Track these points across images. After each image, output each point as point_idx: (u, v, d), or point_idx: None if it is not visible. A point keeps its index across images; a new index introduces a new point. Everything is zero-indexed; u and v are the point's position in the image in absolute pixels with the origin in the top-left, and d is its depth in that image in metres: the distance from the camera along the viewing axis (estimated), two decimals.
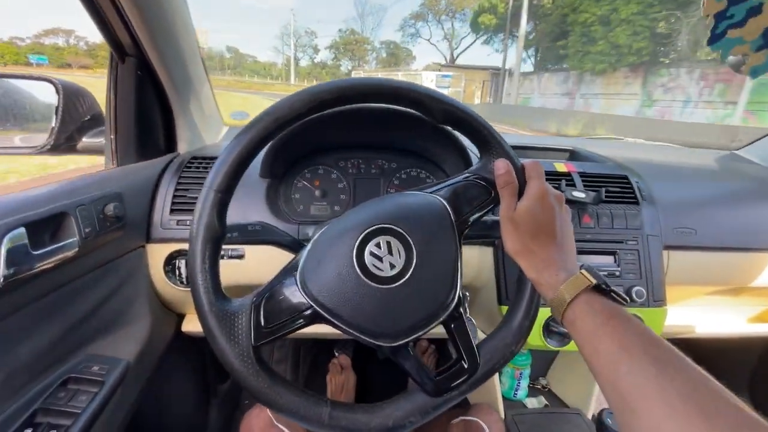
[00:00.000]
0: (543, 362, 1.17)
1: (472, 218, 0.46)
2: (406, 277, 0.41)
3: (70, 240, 0.54)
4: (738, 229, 0.85)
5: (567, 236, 0.44)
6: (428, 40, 40.38)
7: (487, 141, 0.47)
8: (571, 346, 0.77)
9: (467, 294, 0.80)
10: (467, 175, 0.48)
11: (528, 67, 20.45)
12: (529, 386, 1.11)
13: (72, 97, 0.75)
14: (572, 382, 1.10)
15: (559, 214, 0.44)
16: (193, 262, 0.40)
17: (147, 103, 0.78)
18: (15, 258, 0.45)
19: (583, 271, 0.40)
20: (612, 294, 0.39)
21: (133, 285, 0.71)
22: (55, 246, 0.52)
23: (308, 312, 0.41)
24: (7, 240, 0.45)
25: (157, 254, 0.73)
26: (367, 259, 0.41)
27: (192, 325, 0.85)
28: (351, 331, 0.41)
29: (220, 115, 1.04)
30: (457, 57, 37.41)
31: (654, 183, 0.87)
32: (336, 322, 0.40)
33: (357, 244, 0.41)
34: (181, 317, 0.86)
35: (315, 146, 0.82)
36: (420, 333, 0.42)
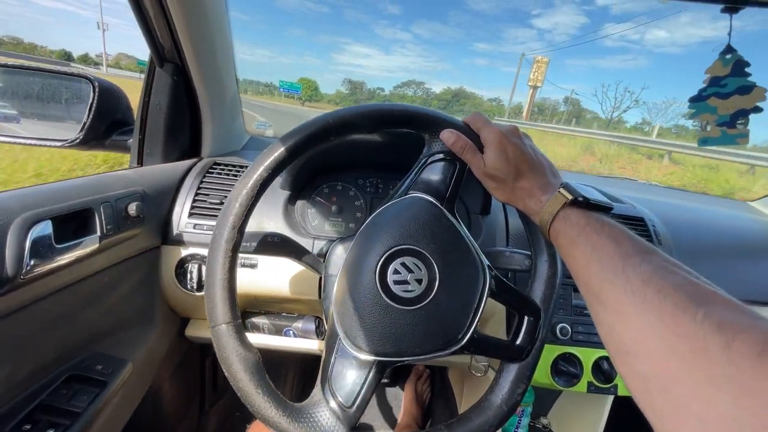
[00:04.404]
0: (545, 401, 1.14)
1: (456, 194, 0.47)
2: (437, 281, 0.41)
3: (92, 236, 0.54)
4: (757, 284, 0.84)
5: (539, 161, 0.45)
6: None
7: (422, 120, 0.46)
8: (579, 387, 0.75)
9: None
10: (423, 159, 0.47)
11: None
12: (529, 424, 1.08)
13: (106, 96, 0.77)
14: (575, 424, 1.06)
15: (523, 146, 0.45)
16: (249, 397, 0.39)
17: (178, 108, 0.80)
18: (39, 250, 0.46)
19: (561, 189, 0.40)
20: (591, 204, 0.39)
21: (144, 285, 0.70)
22: (78, 241, 0.52)
23: (375, 367, 0.41)
24: (34, 231, 0.46)
25: (170, 256, 0.73)
26: (395, 289, 0.41)
27: (195, 330, 0.84)
28: (424, 358, 0.41)
29: (244, 124, 1.06)
30: None
31: (668, 227, 0.86)
32: (406, 359, 0.40)
33: (378, 282, 0.41)
34: (184, 322, 0.85)
35: (337, 163, 0.83)
36: (479, 315, 0.42)
